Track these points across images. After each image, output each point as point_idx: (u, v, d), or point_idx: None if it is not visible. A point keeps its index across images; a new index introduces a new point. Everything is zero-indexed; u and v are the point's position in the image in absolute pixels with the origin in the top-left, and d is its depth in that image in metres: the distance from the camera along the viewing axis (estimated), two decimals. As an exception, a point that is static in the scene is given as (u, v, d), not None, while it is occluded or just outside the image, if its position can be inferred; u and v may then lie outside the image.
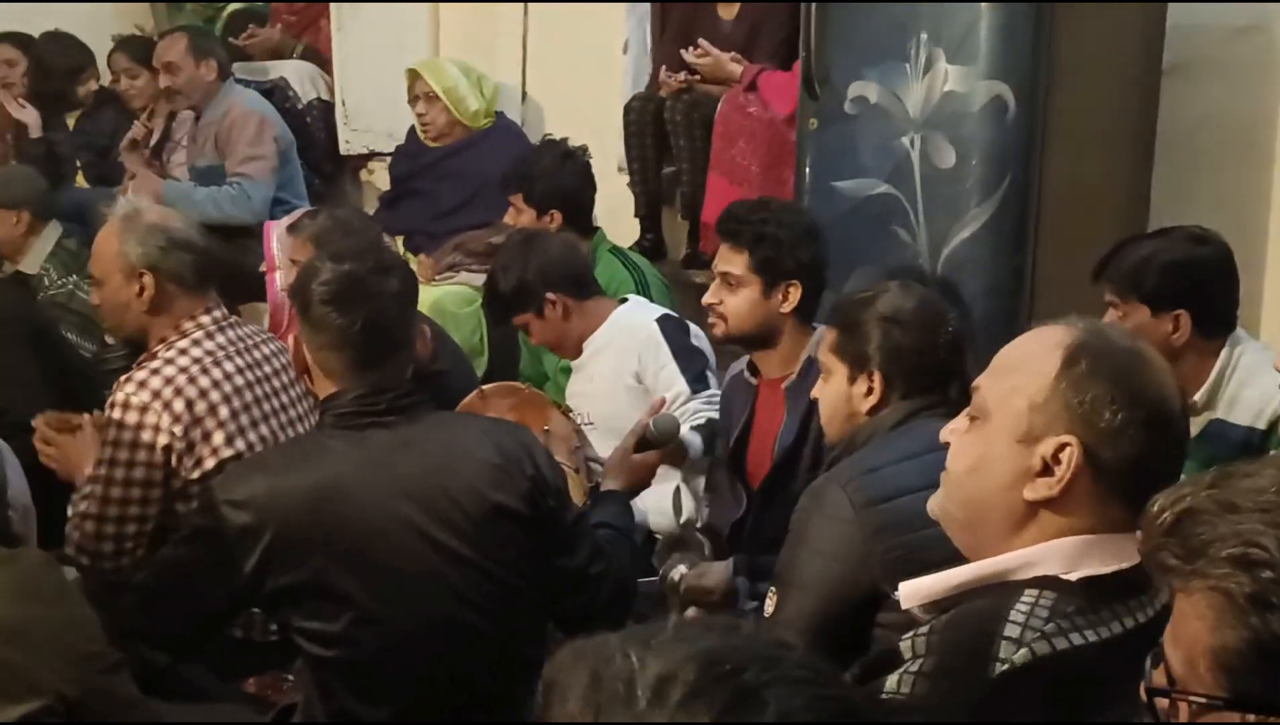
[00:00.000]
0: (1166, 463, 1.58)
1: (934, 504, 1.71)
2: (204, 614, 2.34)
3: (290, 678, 2.87)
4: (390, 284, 2.35)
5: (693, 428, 3.40)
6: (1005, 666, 1.47)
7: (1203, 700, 1.19)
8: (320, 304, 2.30)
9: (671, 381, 3.44)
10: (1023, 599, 1.53)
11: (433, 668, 2.26)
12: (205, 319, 2.98)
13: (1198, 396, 2.97)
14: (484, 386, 3.61)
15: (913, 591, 1.64)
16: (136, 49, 5.52)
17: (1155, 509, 1.23)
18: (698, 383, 3.42)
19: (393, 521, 2.25)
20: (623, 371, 3.51)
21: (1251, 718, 1.16)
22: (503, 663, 2.33)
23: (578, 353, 3.59)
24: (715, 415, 3.37)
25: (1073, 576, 1.56)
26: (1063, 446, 1.56)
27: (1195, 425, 3.00)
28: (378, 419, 2.30)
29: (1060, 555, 1.57)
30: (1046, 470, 1.57)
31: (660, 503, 3.49)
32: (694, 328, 3.53)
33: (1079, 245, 3.74)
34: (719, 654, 0.96)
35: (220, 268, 3.11)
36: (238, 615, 2.53)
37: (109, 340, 3.21)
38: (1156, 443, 1.57)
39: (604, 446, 3.54)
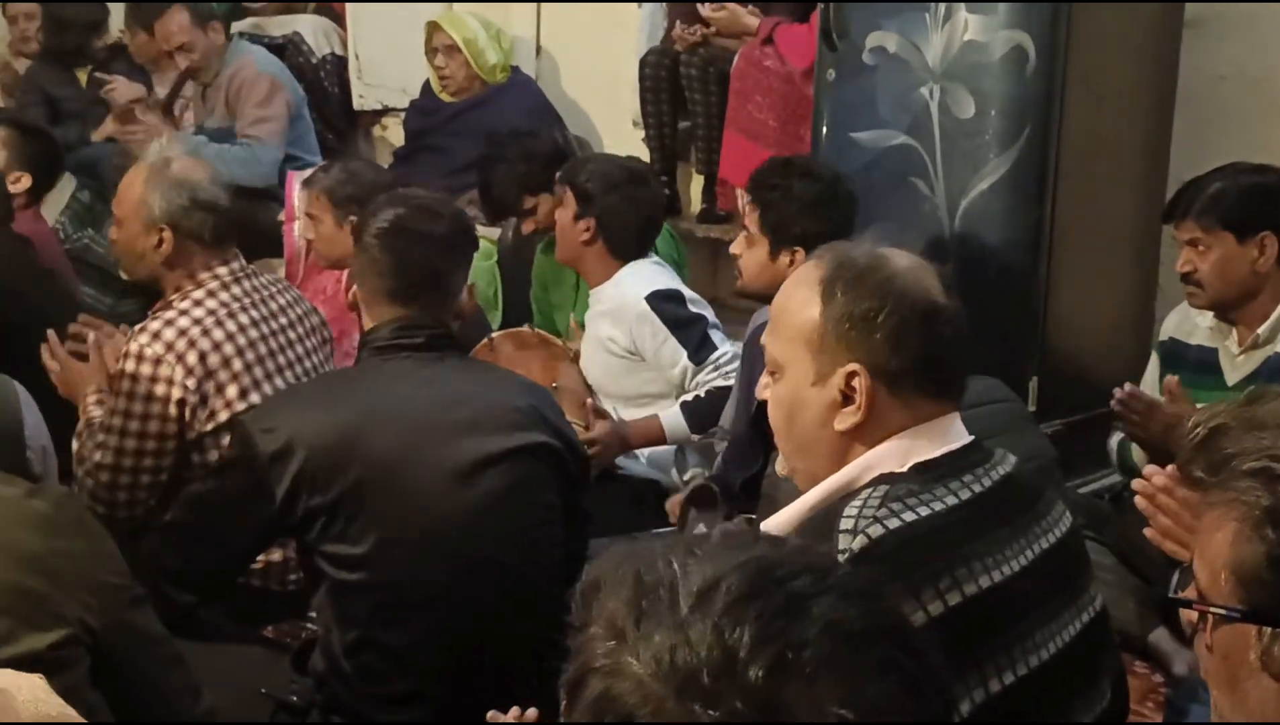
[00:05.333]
0: (951, 345, 1.66)
1: (780, 466, 1.79)
2: (237, 545, 2.41)
3: (309, 624, 2.88)
4: (438, 229, 2.46)
5: (682, 403, 3.41)
6: (845, 555, 1.54)
7: (1221, 612, 1.20)
8: (372, 240, 2.43)
9: (675, 356, 3.46)
10: (857, 497, 1.60)
11: (453, 594, 2.31)
12: (223, 271, 2.97)
13: (1261, 330, 3.00)
14: (492, 334, 3.63)
15: (775, 524, 1.69)
16: (137, 10, 5.46)
17: (1190, 425, 1.25)
18: (700, 350, 3.43)
19: (420, 447, 2.31)
20: (608, 341, 3.52)
21: (1267, 630, 1.18)
22: (522, 593, 2.38)
23: (590, 279, 3.62)
24: (723, 383, 3.36)
25: (905, 467, 1.64)
26: (850, 375, 1.64)
27: (1254, 359, 3.02)
28: (412, 353, 2.39)
29: (892, 452, 1.65)
30: (847, 400, 1.64)
31: (664, 461, 3.52)
32: (688, 293, 3.53)
33: (1098, 199, 3.74)
34: (768, 563, 0.96)
35: (241, 227, 3.12)
36: (269, 545, 2.58)
37: (123, 275, 3.22)
38: (932, 333, 1.65)
39: (603, 407, 3.56)
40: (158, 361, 2.80)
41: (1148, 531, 1.83)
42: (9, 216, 3.60)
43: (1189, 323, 3.19)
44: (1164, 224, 3.25)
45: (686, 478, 3.42)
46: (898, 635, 0.96)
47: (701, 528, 3.02)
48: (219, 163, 4.82)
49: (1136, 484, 1.85)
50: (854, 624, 0.93)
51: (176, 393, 2.80)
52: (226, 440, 2.78)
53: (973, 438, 1.71)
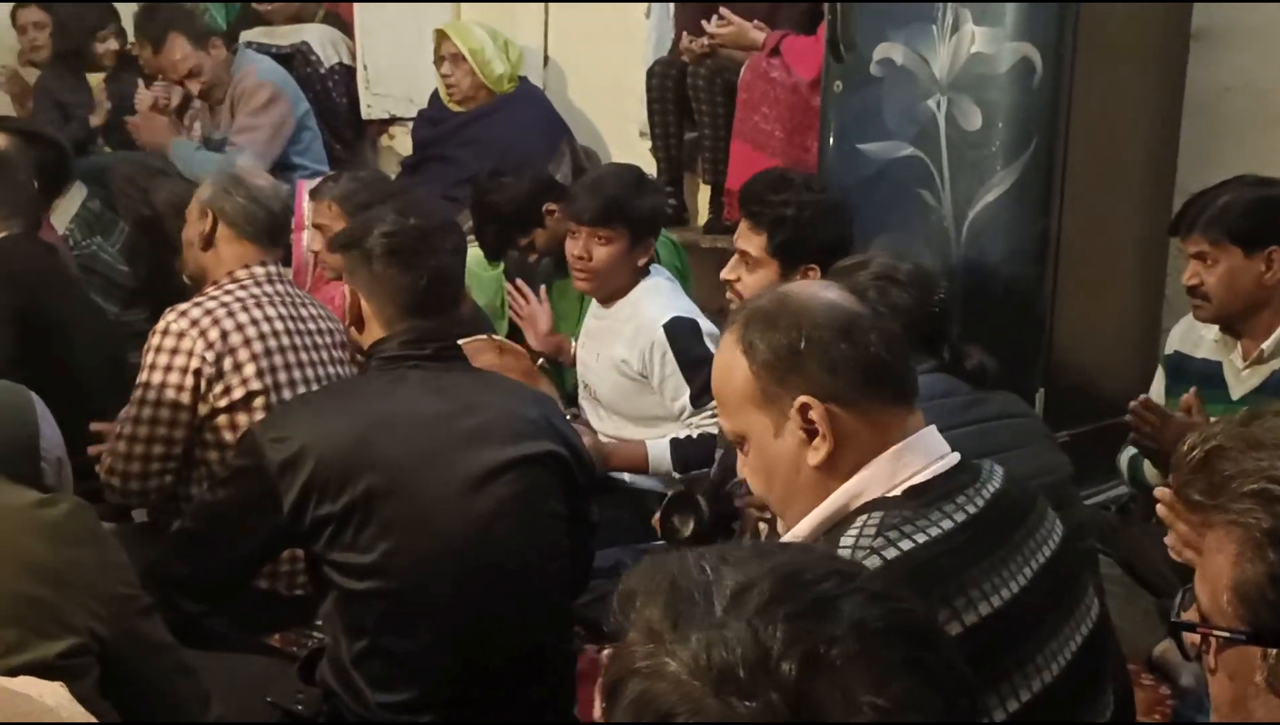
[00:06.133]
0: (885, 347, 1.67)
1: (781, 529, 1.78)
2: (245, 554, 2.41)
3: (315, 634, 2.89)
4: (449, 240, 2.48)
5: (672, 440, 3.39)
6: None
7: (1225, 635, 1.21)
8: (383, 253, 2.41)
9: (677, 392, 3.42)
10: (852, 527, 1.59)
11: (461, 602, 2.32)
12: (259, 270, 3.11)
13: (1267, 344, 3.01)
14: (497, 337, 3.62)
15: None
16: (144, 23, 5.48)
17: (1186, 447, 1.25)
18: (703, 395, 3.35)
19: (430, 455, 2.32)
20: (619, 362, 3.50)
21: (1272, 652, 1.18)
22: (529, 600, 2.39)
23: (606, 298, 3.57)
24: (713, 431, 3.32)
25: (897, 491, 1.63)
26: (804, 408, 1.64)
27: (1259, 374, 3.02)
28: (421, 363, 2.40)
29: (878, 474, 1.64)
30: (811, 435, 1.64)
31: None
32: (706, 326, 3.47)
33: (1104, 210, 3.74)
34: (796, 566, 1.00)
35: (282, 231, 3.22)
36: (277, 554, 2.59)
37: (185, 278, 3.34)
38: (859, 342, 1.66)
39: (609, 424, 3.56)
40: (181, 335, 2.93)
41: (1167, 539, 1.83)
42: (38, 225, 3.64)
43: (1194, 335, 3.19)
44: (1171, 237, 3.25)
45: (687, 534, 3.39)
46: (922, 635, 1.00)
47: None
48: (199, 167, 4.85)
49: (1159, 492, 1.85)
50: (879, 623, 0.97)
51: (194, 363, 2.91)
52: (240, 419, 2.90)
53: (958, 455, 1.71)
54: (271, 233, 3.16)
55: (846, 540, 1.57)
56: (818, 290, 1.73)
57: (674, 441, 3.39)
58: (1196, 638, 1.24)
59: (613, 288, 3.54)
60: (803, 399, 1.63)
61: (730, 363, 1.69)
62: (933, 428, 1.71)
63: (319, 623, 2.62)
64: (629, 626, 1.00)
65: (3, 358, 3.13)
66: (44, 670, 1.59)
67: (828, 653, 0.94)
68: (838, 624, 0.95)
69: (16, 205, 3.47)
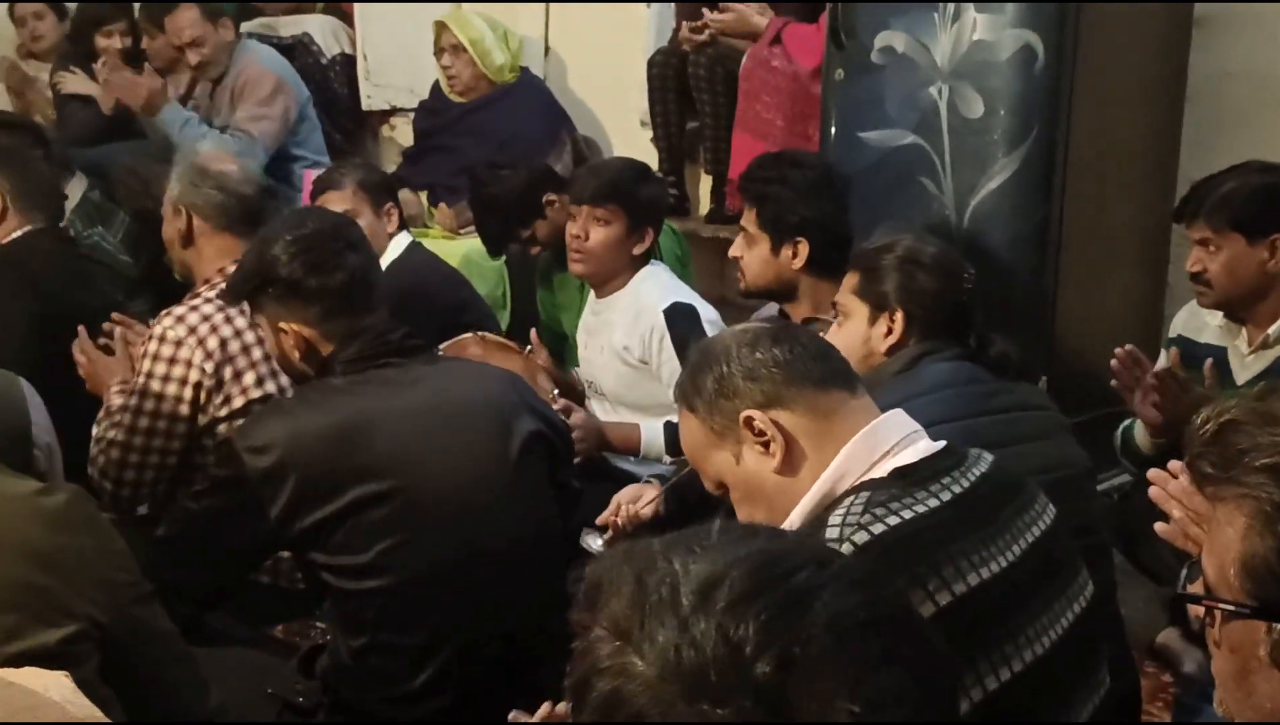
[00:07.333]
0: (796, 348, 1.76)
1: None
2: (230, 562, 2.39)
3: (319, 624, 2.89)
4: (354, 232, 2.46)
5: (666, 423, 3.36)
6: None
7: (1231, 608, 1.20)
8: (308, 270, 2.37)
9: (672, 378, 3.34)
10: (840, 507, 1.64)
11: (457, 592, 2.31)
12: None
13: (1272, 330, 3.02)
14: (484, 334, 3.61)
15: None
16: (154, 10, 5.48)
17: (1199, 420, 1.25)
18: None
19: (415, 449, 2.30)
20: (621, 350, 3.49)
21: (1277, 626, 1.18)
22: (530, 587, 2.38)
23: (601, 288, 3.56)
24: None
25: (883, 472, 1.69)
26: (748, 421, 1.73)
27: (1264, 359, 3.02)
28: (389, 359, 2.36)
29: (855, 455, 1.70)
30: (766, 445, 1.73)
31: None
32: (706, 312, 3.46)
33: (1106, 197, 3.74)
34: (768, 557, 0.97)
35: (259, 215, 3.10)
36: (264, 560, 2.56)
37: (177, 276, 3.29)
38: (772, 348, 1.75)
39: (613, 417, 3.55)
40: (179, 343, 2.87)
41: (1159, 527, 1.82)
42: (60, 215, 3.62)
43: (1198, 321, 3.19)
44: (1175, 223, 3.25)
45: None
46: (901, 624, 0.97)
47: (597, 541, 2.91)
48: (211, 143, 4.84)
49: (1153, 474, 1.85)
50: (856, 616, 0.94)
51: (194, 375, 2.86)
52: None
53: (944, 442, 1.76)
54: (248, 219, 3.05)
55: (835, 519, 1.61)
56: (725, 330, 1.87)
57: (668, 424, 3.35)
58: (1200, 610, 1.24)
59: (607, 274, 3.51)
60: (745, 414, 1.72)
61: (685, 426, 1.81)
62: (899, 409, 1.77)
63: (320, 612, 2.62)
64: (595, 620, 0.97)
65: (25, 358, 3.09)
66: (44, 656, 1.60)
67: (803, 652, 0.91)
68: (813, 621, 0.92)
69: (35, 198, 3.38)
